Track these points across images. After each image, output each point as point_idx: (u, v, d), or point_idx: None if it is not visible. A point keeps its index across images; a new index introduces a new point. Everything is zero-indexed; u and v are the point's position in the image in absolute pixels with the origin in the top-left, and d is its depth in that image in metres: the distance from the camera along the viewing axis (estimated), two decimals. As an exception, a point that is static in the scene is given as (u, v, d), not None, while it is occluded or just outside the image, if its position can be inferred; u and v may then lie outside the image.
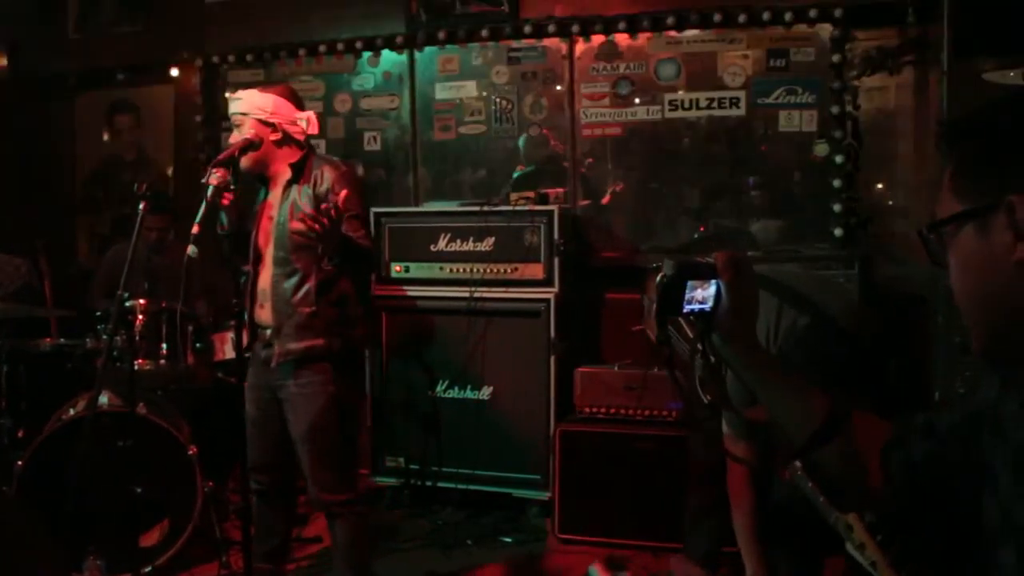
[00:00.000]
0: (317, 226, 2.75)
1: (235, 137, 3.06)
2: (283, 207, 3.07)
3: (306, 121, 3.10)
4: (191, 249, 2.78)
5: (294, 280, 3.06)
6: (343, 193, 2.95)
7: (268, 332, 3.10)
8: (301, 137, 3.10)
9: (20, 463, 3.56)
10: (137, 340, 3.85)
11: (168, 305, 3.95)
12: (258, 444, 3.20)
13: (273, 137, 3.05)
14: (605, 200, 4.70)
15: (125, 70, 5.37)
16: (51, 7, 5.55)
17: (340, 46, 4.94)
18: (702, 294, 1.32)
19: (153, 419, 3.65)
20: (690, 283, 1.31)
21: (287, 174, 3.10)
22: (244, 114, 3.05)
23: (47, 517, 3.34)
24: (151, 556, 3.57)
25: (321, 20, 5.00)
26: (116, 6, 5.46)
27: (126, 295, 2.87)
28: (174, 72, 5.29)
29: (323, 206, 2.84)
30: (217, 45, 5.18)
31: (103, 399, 3.71)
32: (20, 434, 3.98)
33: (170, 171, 5.50)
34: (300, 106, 3.14)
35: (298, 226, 2.98)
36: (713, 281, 1.32)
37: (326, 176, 3.05)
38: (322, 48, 4.96)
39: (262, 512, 3.31)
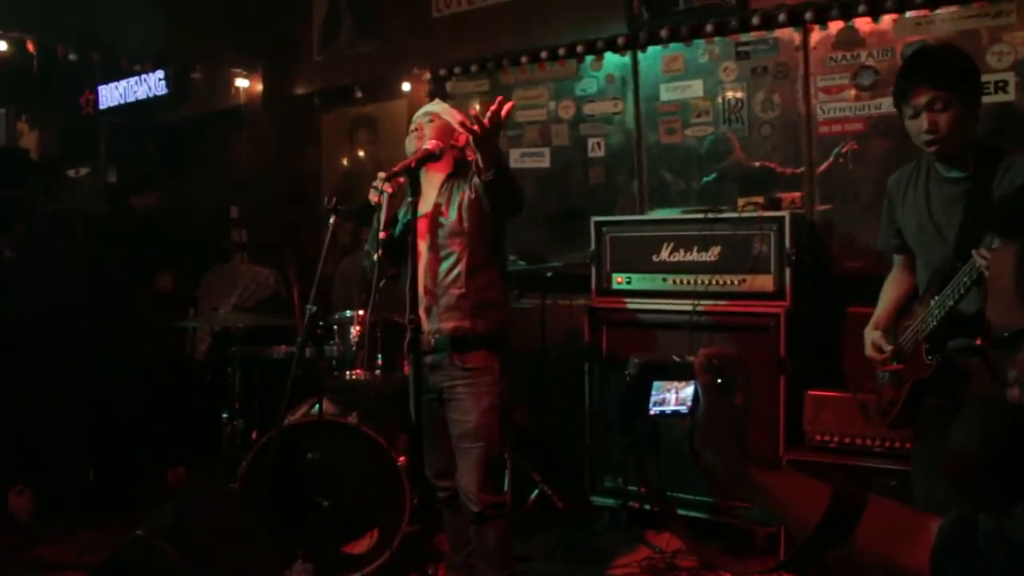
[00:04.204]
0: (476, 127, 2.83)
1: (419, 133, 3.29)
2: (447, 203, 3.26)
3: None
4: (379, 254, 3.10)
5: (447, 263, 3.24)
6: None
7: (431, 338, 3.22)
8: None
9: (244, 464, 3.76)
10: (354, 350, 3.95)
11: (385, 316, 4.02)
12: (432, 450, 3.29)
13: (454, 143, 3.29)
14: (823, 168, 4.24)
15: (362, 87, 5.60)
16: (298, 34, 5.90)
17: (561, 51, 4.83)
18: (677, 395, 1.23)
19: (363, 429, 3.71)
20: (660, 384, 1.23)
21: (446, 171, 3.32)
22: (438, 113, 3.32)
23: (265, 517, 3.49)
24: (359, 564, 3.63)
25: (542, 26, 4.91)
26: (353, 28, 5.72)
27: (313, 308, 2.94)
28: (406, 87, 5.44)
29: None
30: (444, 58, 5.26)
31: (319, 407, 3.83)
32: (253, 435, 4.22)
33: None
34: None
35: (454, 216, 3.22)
36: (692, 382, 1.22)
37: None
38: (543, 54, 4.89)
39: (452, 521, 3.35)
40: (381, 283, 3.61)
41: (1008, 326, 0.89)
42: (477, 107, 2.93)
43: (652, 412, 1.26)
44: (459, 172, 3.31)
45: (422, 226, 3.24)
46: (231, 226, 6.16)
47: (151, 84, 6.18)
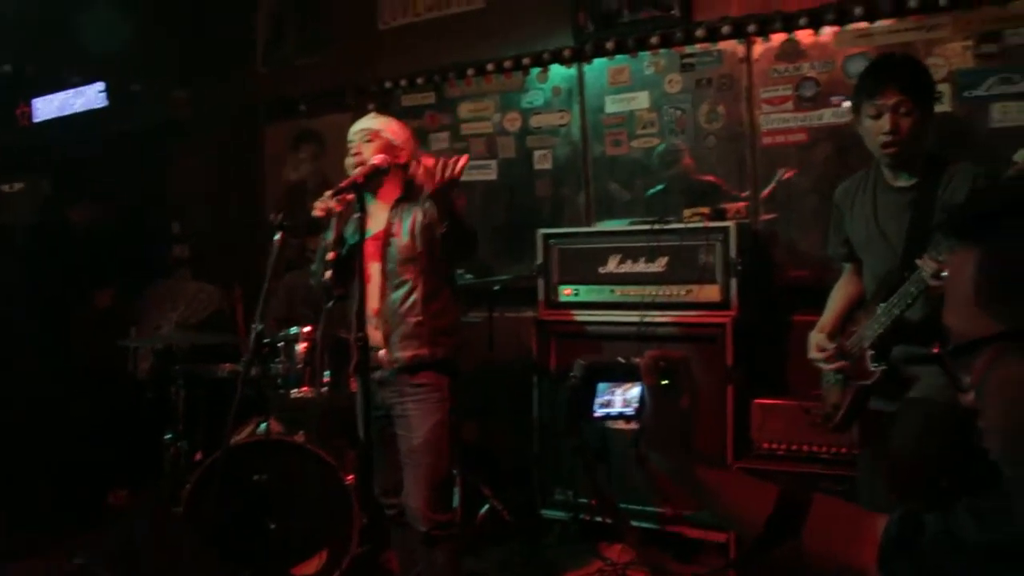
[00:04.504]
0: (430, 184, 2.90)
1: (359, 157, 3.17)
2: (399, 226, 3.20)
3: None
4: (328, 275, 2.92)
5: (402, 291, 3.17)
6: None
7: (380, 353, 3.16)
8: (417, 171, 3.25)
9: (188, 486, 3.66)
10: (300, 367, 3.88)
11: (332, 333, 3.96)
12: (380, 468, 3.24)
13: (397, 161, 3.21)
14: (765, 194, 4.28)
15: (307, 100, 5.53)
16: (241, 46, 5.81)
17: (507, 63, 4.83)
18: (623, 397, 1.23)
19: (310, 448, 3.64)
20: (606, 385, 1.23)
21: (395, 194, 3.24)
22: (377, 131, 3.22)
23: (211, 540, 3.41)
24: (308, 585, 3.56)
25: (488, 38, 4.89)
26: (297, 39, 5.65)
27: (259, 326, 2.87)
28: (351, 99, 5.38)
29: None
30: (389, 70, 5.22)
31: (265, 426, 3.76)
32: (198, 456, 4.12)
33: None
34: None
35: (406, 240, 3.16)
36: (638, 384, 1.21)
37: (426, 190, 3.17)
38: (489, 67, 4.88)
39: (401, 540, 3.31)
40: (330, 304, 3.56)
41: (966, 333, 0.86)
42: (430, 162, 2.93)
43: (597, 414, 1.24)
44: (408, 195, 3.25)
45: (371, 247, 3.19)
46: (173, 241, 6.03)
47: (90, 96, 6.03)
